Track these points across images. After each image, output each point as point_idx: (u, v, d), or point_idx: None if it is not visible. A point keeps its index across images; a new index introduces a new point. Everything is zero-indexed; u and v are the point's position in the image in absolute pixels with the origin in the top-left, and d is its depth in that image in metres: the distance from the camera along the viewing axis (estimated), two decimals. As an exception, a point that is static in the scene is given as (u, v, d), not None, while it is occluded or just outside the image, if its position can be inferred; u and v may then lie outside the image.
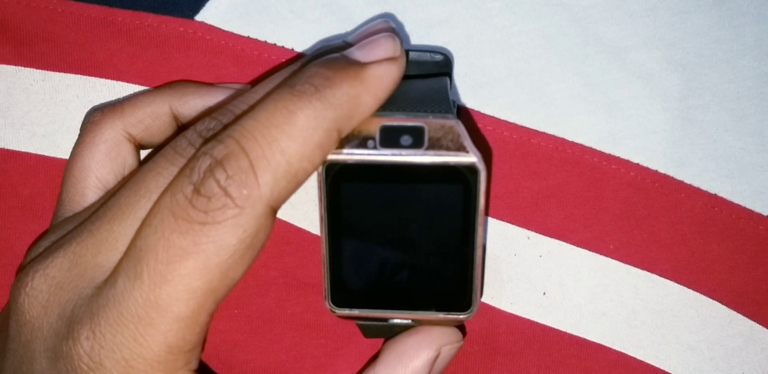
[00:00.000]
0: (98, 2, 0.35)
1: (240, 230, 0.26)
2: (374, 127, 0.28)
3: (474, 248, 0.29)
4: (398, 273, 0.30)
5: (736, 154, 0.34)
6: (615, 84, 0.34)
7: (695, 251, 0.34)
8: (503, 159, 0.35)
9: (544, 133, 0.35)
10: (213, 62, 0.35)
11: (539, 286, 0.35)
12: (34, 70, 0.35)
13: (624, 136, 0.34)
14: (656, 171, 0.34)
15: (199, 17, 0.35)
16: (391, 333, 0.32)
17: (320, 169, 0.28)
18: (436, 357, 0.31)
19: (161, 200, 0.27)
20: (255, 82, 0.35)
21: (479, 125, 0.34)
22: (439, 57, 0.32)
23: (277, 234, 0.35)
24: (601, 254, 0.34)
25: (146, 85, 0.35)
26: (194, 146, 0.28)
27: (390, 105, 0.29)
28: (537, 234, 0.35)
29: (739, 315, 0.34)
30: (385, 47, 0.29)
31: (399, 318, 0.31)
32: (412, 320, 0.31)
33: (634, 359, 0.35)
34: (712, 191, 0.34)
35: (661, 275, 0.34)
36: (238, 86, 0.34)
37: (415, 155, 0.28)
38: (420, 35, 0.35)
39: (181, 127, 0.33)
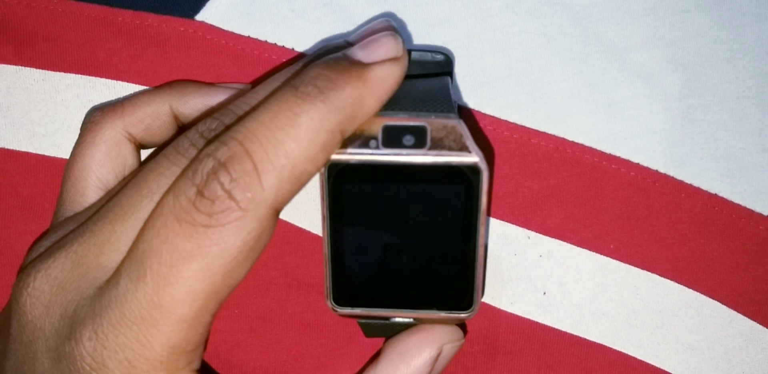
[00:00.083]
0: (98, 2, 0.35)
1: (243, 233, 0.26)
2: (376, 127, 0.28)
3: (476, 248, 0.29)
4: (400, 272, 0.30)
5: (736, 153, 0.34)
6: (615, 83, 0.34)
7: (695, 251, 0.34)
8: (503, 159, 0.35)
9: (544, 133, 0.35)
10: (213, 62, 0.35)
11: (539, 286, 0.35)
12: (35, 69, 0.35)
13: (624, 135, 0.34)
14: (656, 171, 0.34)
15: (199, 17, 0.35)
16: (392, 332, 0.32)
17: (322, 168, 0.28)
18: (438, 355, 0.31)
19: (164, 201, 0.27)
20: (256, 82, 0.35)
21: (480, 125, 0.34)
22: (440, 57, 0.32)
23: (278, 234, 0.35)
24: (601, 254, 0.35)
25: (146, 85, 0.35)
26: (196, 147, 0.28)
27: (392, 104, 0.29)
28: (537, 234, 0.35)
29: (739, 315, 0.34)
30: (387, 47, 0.28)
31: (400, 316, 0.31)
32: (414, 319, 0.31)
33: (634, 359, 0.35)
34: (713, 191, 0.34)
35: (661, 275, 0.34)
36: (238, 86, 0.34)
37: (418, 155, 0.28)
38: (420, 35, 0.35)
39: (182, 128, 0.33)
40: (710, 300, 0.34)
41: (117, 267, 0.27)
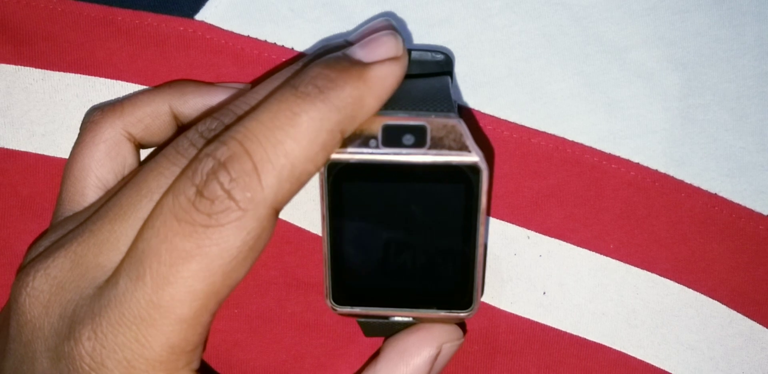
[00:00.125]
0: (98, 1, 0.35)
1: (243, 232, 0.26)
2: (376, 126, 0.28)
3: (475, 247, 0.29)
4: (400, 271, 0.30)
5: (736, 153, 0.34)
6: (615, 83, 0.34)
7: (695, 251, 0.34)
8: (503, 158, 0.35)
9: (544, 133, 0.35)
10: (213, 61, 0.35)
11: (539, 286, 0.35)
12: (34, 69, 0.35)
13: (624, 135, 0.34)
14: (656, 170, 0.34)
15: (199, 16, 0.35)
16: (391, 331, 0.32)
17: (322, 168, 0.28)
18: (437, 354, 0.31)
19: (163, 201, 0.27)
20: (255, 82, 0.35)
21: (479, 124, 0.34)
22: (440, 56, 0.32)
23: (277, 233, 0.35)
24: (601, 254, 0.35)
25: (146, 85, 0.35)
26: (196, 146, 0.28)
27: (392, 104, 0.29)
28: (537, 234, 0.35)
29: (739, 315, 0.34)
30: (387, 46, 0.28)
31: (400, 315, 0.31)
32: (413, 318, 0.31)
33: (634, 359, 0.35)
34: (713, 190, 0.34)
35: (661, 275, 0.34)
36: (238, 86, 0.34)
37: (418, 154, 0.28)
38: (420, 34, 0.35)
39: (182, 127, 0.33)
40: (710, 300, 0.34)
41: (116, 266, 0.27)
